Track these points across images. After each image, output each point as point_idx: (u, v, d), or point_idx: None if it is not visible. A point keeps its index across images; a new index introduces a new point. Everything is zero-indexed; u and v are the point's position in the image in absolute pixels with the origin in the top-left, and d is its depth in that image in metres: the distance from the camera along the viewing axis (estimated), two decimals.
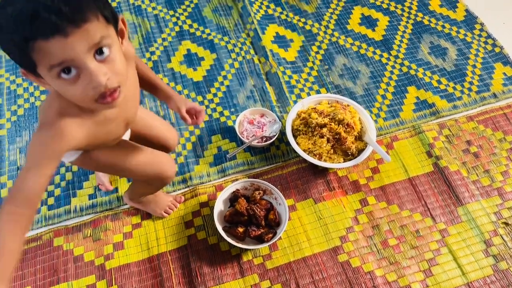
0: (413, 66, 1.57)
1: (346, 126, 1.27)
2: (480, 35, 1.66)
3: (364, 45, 1.63)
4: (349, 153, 1.27)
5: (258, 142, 1.33)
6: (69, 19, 0.59)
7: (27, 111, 1.45)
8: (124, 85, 0.71)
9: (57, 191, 1.27)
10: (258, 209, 1.17)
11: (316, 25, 1.70)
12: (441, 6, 1.76)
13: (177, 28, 1.67)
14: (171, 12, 1.72)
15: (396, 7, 1.76)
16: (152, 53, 1.59)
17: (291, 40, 1.65)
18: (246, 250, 1.16)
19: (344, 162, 1.26)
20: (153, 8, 1.72)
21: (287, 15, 1.72)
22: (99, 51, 0.65)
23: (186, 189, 1.29)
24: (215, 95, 1.49)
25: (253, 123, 1.38)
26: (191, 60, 1.58)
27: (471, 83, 1.52)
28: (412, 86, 1.52)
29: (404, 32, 1.68)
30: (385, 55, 1.60)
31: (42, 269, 1.14)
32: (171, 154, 1.33)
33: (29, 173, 0.70)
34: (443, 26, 1.69)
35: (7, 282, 0.65)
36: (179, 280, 1.13)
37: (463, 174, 1.31)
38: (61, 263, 1.15)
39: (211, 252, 1.17)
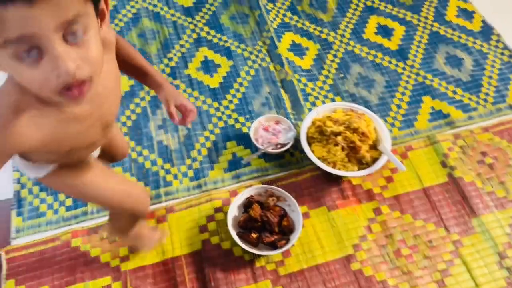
0: (429, 76, 1.57)
1: (361, 135, 1.27)
2: (496, 46, 1.65)
3: (379, 54, 1.64)
4: (364, 162, 1.27)
5: (272, 149, 1.35)
6: None
7: None
8: (97, 77, 0.58)
9: None
10: (272, 216, 1.18)
11: (332, 33, 1.71)
12: (457, 16, 1.76)
13: (194, 35, 1.70)
14: (189, 19, 1.75)
15: (412, 17, 1.76)
16: (170, 59, 1.62)
17: (307, 48, 1.66)
18: (259, 256, 1.18)
19: (358, 170, 1.26)
20: (172, 15, 1.76)
21: (303, 24, 1.74)
22: (71, 32, 0.51)
23: (200, 194, 1.31)
24: (230, 101, 1.51)
25: (268, 130, 1.39)
26: (208, 67, 1.60)
27: (487, 94, 1.52)
28: (427, 96, 1.52)
29: (420, 42, 1.68)
30: (401, 64, 1.61)
31: (60, 269, 1.16)
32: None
33: None
34: (459, 37, 1.69)
35: None
36: (193, 284, 1.14)
37: (478, 185, 1.30)
38: (78, 263, 1.17)
39: (224, 257, 1.18)
